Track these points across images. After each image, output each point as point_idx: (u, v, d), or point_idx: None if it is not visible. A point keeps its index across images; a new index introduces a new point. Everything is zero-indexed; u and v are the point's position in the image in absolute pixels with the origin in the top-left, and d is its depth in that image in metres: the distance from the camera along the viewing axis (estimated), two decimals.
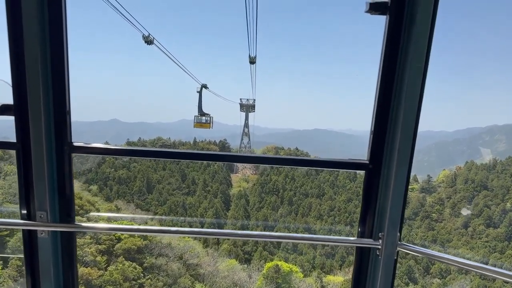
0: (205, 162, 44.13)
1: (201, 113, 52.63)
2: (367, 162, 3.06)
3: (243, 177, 65.68)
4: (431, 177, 65.30)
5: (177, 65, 48.31)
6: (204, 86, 53.30)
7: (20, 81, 2.76)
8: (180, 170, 59.85)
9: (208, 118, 52.91)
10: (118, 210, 43.70)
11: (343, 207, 56.43)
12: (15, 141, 2.88)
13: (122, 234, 32.93)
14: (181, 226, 49.57)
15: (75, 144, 2.99)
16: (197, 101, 52.64)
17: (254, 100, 74.28)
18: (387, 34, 2.83)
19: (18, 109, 2.81)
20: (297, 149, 72.43)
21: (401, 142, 2.88)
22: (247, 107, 74.77)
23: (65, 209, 3.08)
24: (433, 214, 58.19)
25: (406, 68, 2.79)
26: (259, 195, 59.48)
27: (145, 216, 46.93)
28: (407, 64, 2.78)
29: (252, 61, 54.56)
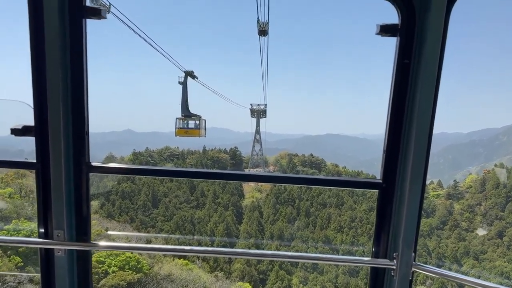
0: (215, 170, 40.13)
1: (187, 114, 35.28)
2: (381, 181, 3.04)
3: (255, 186, 62.54)
4: (457, 182, 61.82)
5: (156, 49, 35.67)
6: (189, 73, 36.82)
7: (41, 103, 2.86)
8: (188, 181, 56.69)
9: (198, 122, 36.69)
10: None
11: (364, 218, 52.48)
12: (35, 161, 2.98)
13: (109, 267, 29.11)
14: (189, 244, 46.24)
15: (93, 164, 3.07)
16: (181, 98, 35.61)
17: (266, 105, 71.37)
18: (398, 55, 2.83)
19: (39, 130, 2.92)
20: (312, 155, 69.48)
21: (414, 161, 2.86)
22: (258, 113, 71.98)
23: (82, 228, 3.13)
24: (462, 223, 54.45)
25: (417, 88, 2.79)
26: (274, 206, 55.60)
27: (146, 234, 42.53)
28: (418, 84, 2.79)
29: (263, 29, 39.16)
